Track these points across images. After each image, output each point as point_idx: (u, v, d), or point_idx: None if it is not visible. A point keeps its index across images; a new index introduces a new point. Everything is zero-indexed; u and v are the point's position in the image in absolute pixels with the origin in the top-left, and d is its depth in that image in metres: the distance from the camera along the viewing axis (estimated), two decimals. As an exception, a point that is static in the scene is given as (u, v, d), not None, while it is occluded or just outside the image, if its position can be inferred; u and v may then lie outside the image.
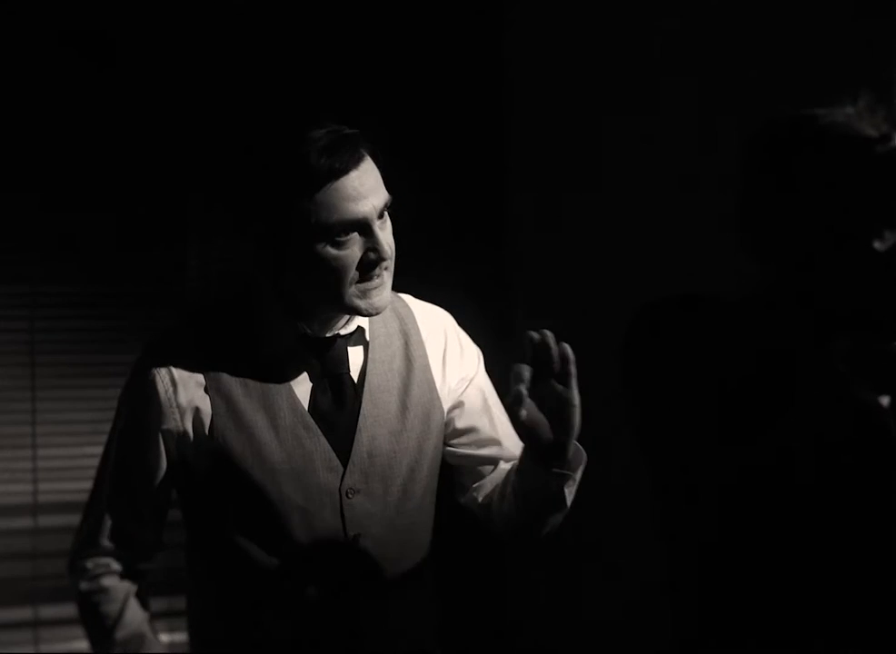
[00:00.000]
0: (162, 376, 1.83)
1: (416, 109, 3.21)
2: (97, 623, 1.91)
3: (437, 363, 1.98)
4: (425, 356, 1.97)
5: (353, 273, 1.78)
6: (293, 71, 3.13)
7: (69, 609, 2.95)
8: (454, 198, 3.26)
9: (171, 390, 1.82)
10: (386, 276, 1.82)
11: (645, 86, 2.84)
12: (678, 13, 2.75)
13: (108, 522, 1.89)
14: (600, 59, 3.00)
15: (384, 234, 1.80)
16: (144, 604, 1.93)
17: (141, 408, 1.85)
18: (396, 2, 3.24)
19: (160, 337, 1.92)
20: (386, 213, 1.82)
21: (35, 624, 3.03)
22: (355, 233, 1.77)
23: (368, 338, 1.92)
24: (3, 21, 2.99)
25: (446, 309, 2.07)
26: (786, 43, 2.45)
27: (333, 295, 1.80)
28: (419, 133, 3.20)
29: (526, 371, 1.63)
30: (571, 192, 3.10)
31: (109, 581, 1.90)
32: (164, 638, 1.96)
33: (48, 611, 3.02)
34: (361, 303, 1.80)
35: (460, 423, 2.00)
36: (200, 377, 1.83)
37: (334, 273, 1.78)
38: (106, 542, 1.90)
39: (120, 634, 1.88)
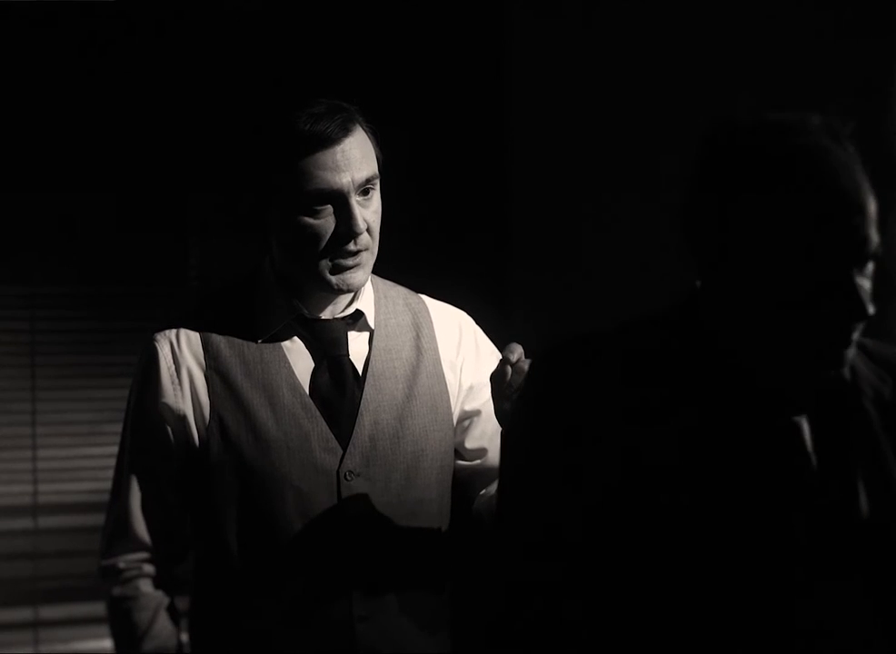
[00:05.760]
0: (165, 354, 1.86)
1: (417, 109, 3.21)
2: (126, 631, 1.88)
3: (449, 359, 1.98)
4: (436, 349, 1.97)
5: (326, 245, 1.80)
6: (293, 70, 3.12)
7: (69, 610, 2.98)
8: (455, 199, 3.25)
9: (173, 367, 1.86)
10: (365, 256, 1.83)
11: (648, 93, 2.85)
12: (678, 21, 2.76)
13: (131, 508, 1.87)
14: (602, 64, 3.00)
15: (363, 210, 1.80)
16: (175, 618, 1.90)
17: (145, 384, 1.88)
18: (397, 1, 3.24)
19: (169, 321, 1.94)
20: (373, 190, 1.83)
21: (35, 624, 3.01)
22: (330, 206, 1.78)
23: (373, 325, 1.93)
24: (2, 21, 2.99)
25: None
26: (791, 51, 2.46)
27: (307, 267, 1.82)
28: (420, 134, 3.19)
29: (519, 347, 1.73)
30: (572, 194, 3.10)
31: (142, 587, 1.87)
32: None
33: (48, 612, 3.00)
34: (333, 278, 1.82)
35: (475, 431, 1.99)
36: (201, 356, 1.86)
37: (308, 244, 1.80)
38: (133, 533, 1.87)
39: (147, 646, 1.85)
